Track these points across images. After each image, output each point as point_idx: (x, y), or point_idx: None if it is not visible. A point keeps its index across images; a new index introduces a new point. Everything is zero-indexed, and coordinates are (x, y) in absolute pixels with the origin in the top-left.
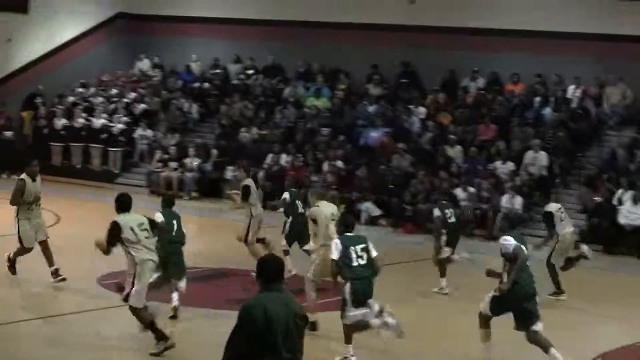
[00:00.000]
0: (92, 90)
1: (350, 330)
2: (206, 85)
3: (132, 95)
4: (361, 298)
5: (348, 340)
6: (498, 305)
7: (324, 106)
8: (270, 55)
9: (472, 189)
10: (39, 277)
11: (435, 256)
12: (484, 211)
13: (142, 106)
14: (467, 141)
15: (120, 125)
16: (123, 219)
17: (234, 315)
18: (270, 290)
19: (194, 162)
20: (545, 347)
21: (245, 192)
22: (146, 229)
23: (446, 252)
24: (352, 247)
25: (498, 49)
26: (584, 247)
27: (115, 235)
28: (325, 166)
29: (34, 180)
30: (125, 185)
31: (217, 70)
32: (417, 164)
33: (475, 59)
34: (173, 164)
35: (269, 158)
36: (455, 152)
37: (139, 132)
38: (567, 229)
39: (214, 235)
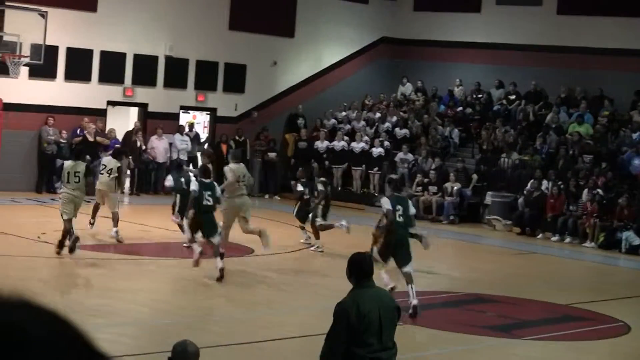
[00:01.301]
0: (355, 113)
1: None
2: (468, 110)
3: (394, 119)
4: (215, 225)
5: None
6: (385, 254)
7: (586, 133)
8: (532, 80)
9: None
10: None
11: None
12: None
13: (404, 131)
14: None
15: (381, 149)
16: (68, 164)
17: (486, 340)
18: (362, 287)
19: (454, 186)
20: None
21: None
22: (78, 176)
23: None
24: (204, 191)
25: None
26: None
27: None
28: (584, 194)
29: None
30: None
31: (480, 95)
32: None
33: None
34: (433, 188)
35: (529, 184)
36: None
37: (400, 155)
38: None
39: (472, 260)
